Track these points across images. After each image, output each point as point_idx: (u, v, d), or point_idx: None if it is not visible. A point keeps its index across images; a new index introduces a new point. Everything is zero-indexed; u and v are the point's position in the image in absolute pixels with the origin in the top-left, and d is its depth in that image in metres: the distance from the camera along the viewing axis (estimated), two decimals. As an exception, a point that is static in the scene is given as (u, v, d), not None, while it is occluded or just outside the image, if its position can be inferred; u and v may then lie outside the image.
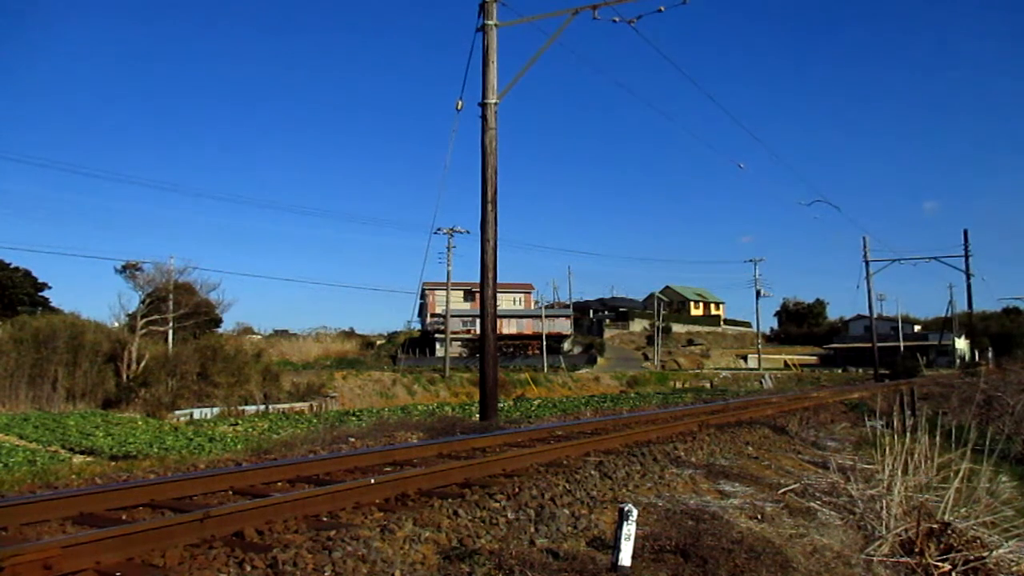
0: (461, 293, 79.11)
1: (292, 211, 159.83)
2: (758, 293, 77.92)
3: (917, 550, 6.46)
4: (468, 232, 57.83)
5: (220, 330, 58.23)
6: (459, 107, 16.61)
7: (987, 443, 7.80)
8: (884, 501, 7.18)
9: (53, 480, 7.95)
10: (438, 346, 70.93)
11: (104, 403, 38.94)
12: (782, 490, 8.09)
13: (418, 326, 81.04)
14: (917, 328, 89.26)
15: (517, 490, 6.50)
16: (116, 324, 46.74)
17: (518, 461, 8.05)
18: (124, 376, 40.63)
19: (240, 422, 31.89)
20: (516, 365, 69.72)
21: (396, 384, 55.21)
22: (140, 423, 30.17)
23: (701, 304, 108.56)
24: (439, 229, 57.84)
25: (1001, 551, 6.58)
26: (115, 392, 40.04)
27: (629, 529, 4.96)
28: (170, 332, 47.48)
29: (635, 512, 5.03)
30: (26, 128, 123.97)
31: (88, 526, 5.18)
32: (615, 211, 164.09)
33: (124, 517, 5.60)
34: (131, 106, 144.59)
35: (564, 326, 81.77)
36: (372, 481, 6.30)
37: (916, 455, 7.97)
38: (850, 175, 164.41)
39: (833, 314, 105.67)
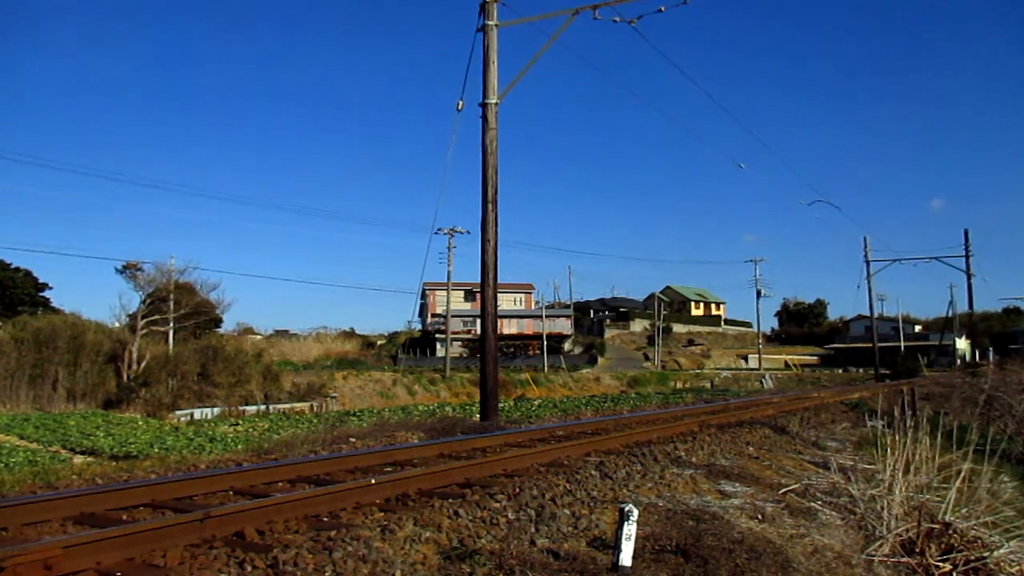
0: (461, 293, 79.08)
1: (292, 211, 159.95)
2: (759, 293, 77.85)
3: (918, 550, 6.46)
4: (468, 232, 57.95)
5: (220, 330, 58.30)
6: (459, 107, 16.63)
7: (988, 443, 7.78)
8: (885, 501, 7.17)
9: (54, 480, 7.96)
10: (438, 346, 70.97)
11: (105, 403, 38.99)
12: (783, 490, 8.09)
13: (419, 326, 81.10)
14: (918, 328, 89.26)
15: (518, 490, 6.50)
16: (117, 324, 46.85)
17: (519, 461, 8.04)
18: (125, 376, 40.68)
19: (241, 422, 31.89)
20: (516, 365, 69.74)
21: (396, 384, 55.22)
22: (141, 423, 30.19)
23: (702, 304, 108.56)
24: (439, 229, 57.95)
25: (1002, 551, 6.57)
26: (116, 392, 40.10)
27: (630, 529, 4.96)
28: (170, 332, 47.53)
29: (636, 512, 5.03)
30: (26, 128, 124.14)
31: (89, 526, 5.18)
32: (615, 211, 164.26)
33: (125, 517, 5.61)
34: (132, 106, 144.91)
35: (564, 326, 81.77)
36: (373, 481, 6.30)
37: (917, 455, 7.96)
38: (850, 175, 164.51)
39: (834, 314, 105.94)
